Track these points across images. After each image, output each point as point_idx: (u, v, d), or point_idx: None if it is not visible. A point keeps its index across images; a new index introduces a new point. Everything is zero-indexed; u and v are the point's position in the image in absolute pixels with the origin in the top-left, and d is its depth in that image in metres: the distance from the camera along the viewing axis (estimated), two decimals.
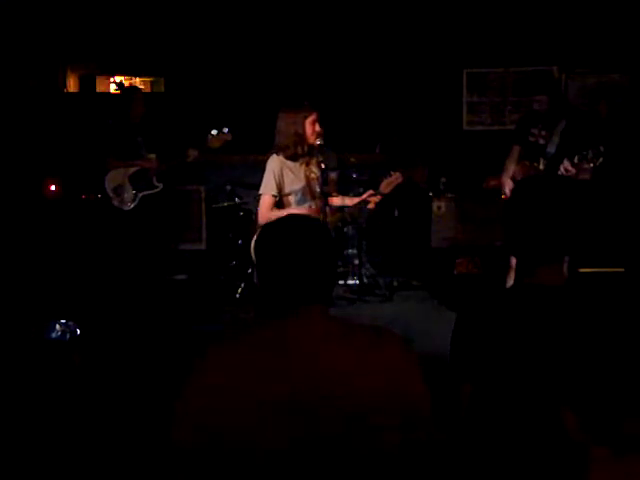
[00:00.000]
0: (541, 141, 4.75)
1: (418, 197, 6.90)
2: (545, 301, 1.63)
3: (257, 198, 3.79)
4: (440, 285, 6.03)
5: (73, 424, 3.18)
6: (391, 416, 1.41)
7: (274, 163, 3.66)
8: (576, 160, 4.24)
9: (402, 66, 7.04)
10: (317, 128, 3.66)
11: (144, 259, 5.66)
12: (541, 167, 4.71)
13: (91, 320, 4.37)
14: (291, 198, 3.67)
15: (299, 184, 3.67)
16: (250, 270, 5.61)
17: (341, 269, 5.97)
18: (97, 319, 4.61)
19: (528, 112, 4.99)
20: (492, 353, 1.63)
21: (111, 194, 5.58)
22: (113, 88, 7.36)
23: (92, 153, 5.81)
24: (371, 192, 4.10)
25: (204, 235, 6.91)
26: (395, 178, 4.01)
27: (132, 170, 5.60)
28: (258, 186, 3.73)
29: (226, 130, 5.26)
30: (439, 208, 6.80)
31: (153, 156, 5.62)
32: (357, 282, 5.91)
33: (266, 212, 3.61)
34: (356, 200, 4.12)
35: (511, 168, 4.90)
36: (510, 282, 4.59)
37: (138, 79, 7.41)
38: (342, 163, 6.19)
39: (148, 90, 7.31)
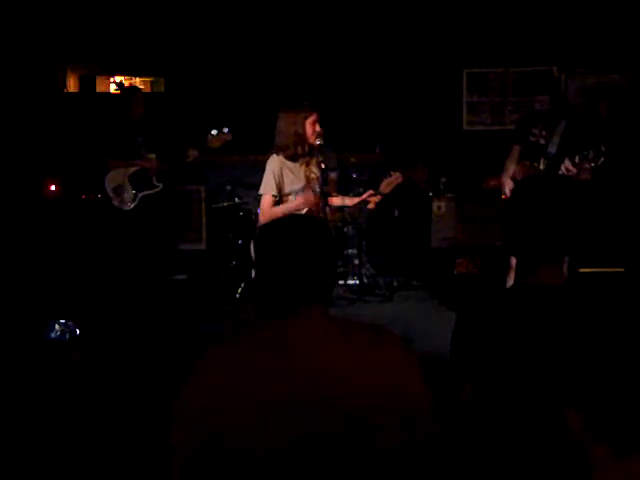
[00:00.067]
0: (542, 141, 4.75)
1: (418, 197, 6.90)
2: (545, 301, 1.63)
3: (257, 198, 3.79)
4: (440, 285, 6.03)
5: (73, 424, 3.18)
6: (391, 416, 1.41)
7: (274, 163, 3.66)
8: (577, 160, 4.24)
9: (402, 66, 7.04)
10: (317, 128, 3.66)
11: (144, 259, 5.66)
12: (541, 167, 4.71)
13: (91, 320, 4.37)
14: (291, 198, 3.67)
15: (299, 184, 3.67)
16: (250, 270, 5.61)
17: (341, 269, 5.97)
18: (97, 319, 4.61)
19: (528, 112, 4.99)
20: (492, 353, 1.63)
21: (111, 194, 5.58)
22: (113, 88, 7.36)
23: (92, 153, 5.81)
24: (371, 192, 4.10)
25: (204, 235, 6.91)
26: (395, 178, 4.01)
27: (132, 170, 5.60)
28: (258, 186, 3.73)
29: (226, 130, 5.26)
30: (439, 208, 6.80)
31: (153, 156, 5.62)
32: (357, 282, 5.91)
33: (267, 211, 3.61)
34: (356, 200, 4.12)
35: (511, 168, 4.90)
36: (510, 282, 4.59)
37: (138, 79, 7.41)
38: (342, 163, 6.20)
39: (148, 90, 7.31)
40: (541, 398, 1.56)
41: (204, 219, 6.89)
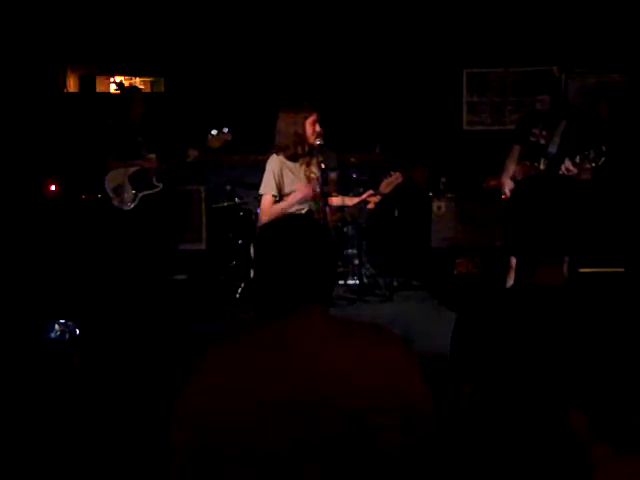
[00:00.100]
0: (542, 141, 4.75)
1: (418, 197, 6.90)
2: (545, 301, 1.63)
3: (257, 198, 3.79)
4: (440, 285, 6.03)
5: (72, 424, 3.18)
6: (391, 416, 1.41)
7: (274, 163, 3.66)
8: (578, 160, 4.24)
9: (402, 66, 7.04)
10: (317, 128, 3.66)
11: (144, 259, 5.66)
12: (542, 167, 4.71)
13: (90, 320, 4.37)
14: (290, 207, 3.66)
15: (299, 184, 3.67)
16: (250, 270, 5.61)
17: (341, 269, 5.97)
18: (97, 319, 4.61)
19: (529, 112, 4.99)
20: (492, 353, 1.63)
21: (111, 194, 5.58)
22: (113, 88, 7.36)
23: (92, 153, 5.81)
24: (371, 192, 4.10)
25: (204, 235, 6.91)
26: (395, 178, 4.01)
27: (132, 170, 5.60)
28: (258, 186, 3.73)
29: (226, 130, 5.27)
30: (439, 208, 6.80)
31: (153, 156, 5.62)
32: (357, 282, 5.91)
33: (267, 211, 3.61)
34: (356, 200, 4.13)
35: (511, 168, 4.89)
36: (510, 282, 4.59)
37: (138, 79, 7.41)
38: (342, 163, 6.20)
39: (148, 90, 7.31)
40: (541, 398, 1.56)
41: (204, 219, 6.89)
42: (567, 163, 4.30)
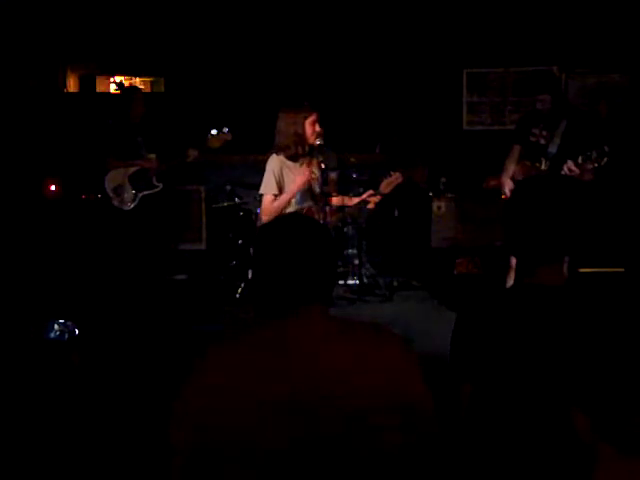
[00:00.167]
0: (542, 141, 4.74)
1: (418, 197, 6.90)
2: (545, 301, 1.63)
3: (257, 198, 3.79)
4: (440, 285, 6.03)
5: (72, 424, 3.18)
6: (391, 416, 1.40)
7: (274, 163, 3.66)
8: (580, 160, 4.23)
9: (402, 66, 7.04)
10: (317, 128, 3.66)
11: (144, 259, 5.66)
12: (543, 167, 4.70)
13: (90, 320, 4.37)
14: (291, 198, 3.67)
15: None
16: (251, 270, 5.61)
17: (341, 269, 5.97)
18: (96, 319, 4.61)
19: (529, 112, 4.99)
20: (492, 353, 1.63)
21: (111, 194, 5.58)
22: (113, 88, 7.36)
23: (92, 153, 5.81)
24: (371, 192, 4.11)
25: (204, 235, 6.91)
26: (395, 178, 4.02)
27: (132, 170, 5.60)
28: (258, 186, 3.73)
29: (226, 130, 5.27)
30: (439, 208, 6.80)
31: (153, 156, 5.62)
32: (357, 282, 5.91)
33: (269, 210, 3.60)
34: (356, 200, 4.13)
35: (511, 168, 4.89)
36: (510, 282, 4.59)
37: (138, 79, 7.41)
38: (342, 163, 6.20)
39: (148, 90, 7.31)
40: (541, 398, 1.56)
41: (204, 219, 6.89)
42: (569, 164, 4.30)
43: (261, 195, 3.70)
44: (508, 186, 4.83)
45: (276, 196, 3.63)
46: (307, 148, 3.66)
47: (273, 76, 6.90)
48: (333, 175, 5.63)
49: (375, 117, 7.07)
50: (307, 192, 3.70)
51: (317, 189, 3.75)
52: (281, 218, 1.66)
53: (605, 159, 4.13)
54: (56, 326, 3.74)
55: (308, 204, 3.70)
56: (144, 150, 5.63)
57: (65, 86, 7.20)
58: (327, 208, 3.81)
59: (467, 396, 1.67)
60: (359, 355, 1.44)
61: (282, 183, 3.64)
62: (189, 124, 6.39)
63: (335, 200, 4.08)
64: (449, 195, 6.86)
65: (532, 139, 4.80)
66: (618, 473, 1.39)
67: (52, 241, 6.10)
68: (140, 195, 5.59)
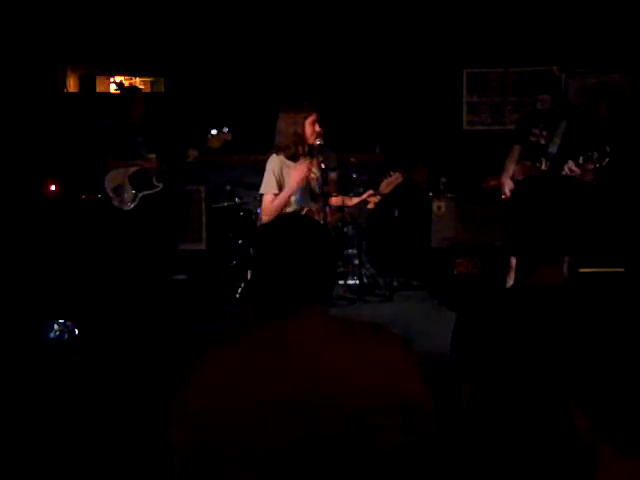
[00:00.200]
0: (542, 141, 4.74)
1: (418, 197, 6.90)
2: (545, 301, 1.63)
3: (257, 198, 3.79)
4: (440, 285, 6.03)
5: (72, 424, 3.18)
6: (391, 416, 1.40)
7: (274, 163, 3.66)
8: (581, 161, 4.23)
9: (402, 66, 7.04)
10: (317, 128, 3.66)
11: (144, 259, 5.66)
12: (543, 167, 4.70)
13: (90, 320, 4.37)
14: (291, 198, 3.66)
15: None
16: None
17: (341, 269, 5.97)
18: (96, 319, 4.61)
19: (529, 112, 4.99)
20: (492, 353, 1.63)
21: (111, 194, 5.58)
22: (113, 88, 7.36)
23: (92, 153, 5.81)
24: (371, 192, 4.10)
25: (204, 235, 6.91)
26: (395, 178, 4.01)
27: (132, 170, 5.60)
28: (258, 186, 3.72)
29: (226, 130, 5.27)
30: (439, 208, 6.80)
31: (153, 156, 5.62)
32: (357, 282, 5.91)
33: (269, 209, 3.59)
34: (356, 200, 4.13)
35: (511, 168, 4.89)
36: (510, 282, 4.59)
37: (138, 79, 7.41)
38: (342, 163, 6.19)
39: (148, 90, 7.32)
40: (541, 398, 1.56)
41: (204, 219, 6.89)
42: (570, 164, 4.29)
43: (261, 195, 3.70)
44: (508, 186, 4.83)
45: (276, 195, 3.63)
46: (307, 148, 3.66)
47: (273, 76, 6.90)
48: (333, 175, 5.63)
49: (375, 117, 7.07)
50: (307, 192, 3.70)
51: (317, 189, 3.74)
52: (280, 218, 1.66)
53: (606, 160, 4.13)
54: (56, 326, 3.74)
55: (308, 204, 3.70)
56: (144, 150, 5.63)
57: (65, 86, 7.20)
58: (327, 208, 3.81)
59: (467, 396, 1.67)
60: (359, 355, 1.44)
61: (282, 183, 3.64)
62: (189, 124, 6.39)
63: (335, 200, 4.08)
64: (449, 195, 6.86)
65: (532, 139, 4.79)
66: (618, 473, 1.39)
67: (52, 241, 6.10)
68: (140, 195, 5.59)
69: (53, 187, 6.50)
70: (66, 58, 7.13)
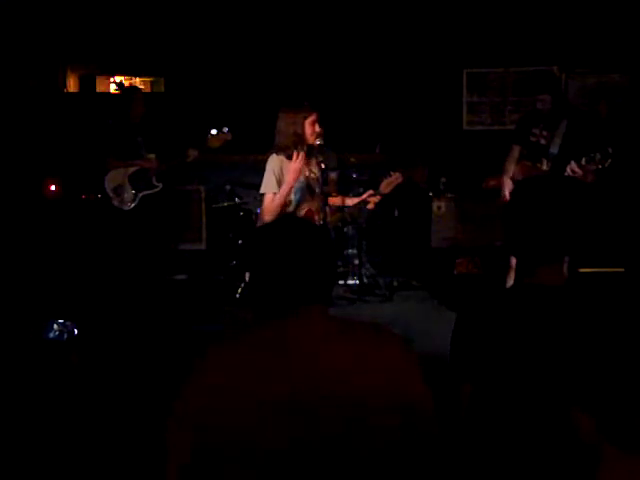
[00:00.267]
0: (542, 141, 4.74)
1: (418, 197, 6.90)
2: (545, 301, 1.63)
3: (258, 198, 3.78)
4: (440, 285, 6.03)
5: (71, 424, 3.18)
6: (391, 416, 1.40)
7: (274, 162, 3.66)
8: (583, 162, 4.22)
9: (402, 66, 7.04)
10: (317, 128, 3.66)
11: (144, 259, 5.66)
12: (544, 168, 4.69)
13: (90, 320, 4.37)
14: (291, 198, 3.66)
15: (299, 184, 3.67)
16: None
17: (341, 269, 5.97)
18: (96, 319, 4.60)
19: (529, 112, 4.98)
20: (492, 353, 1.63)
21: (111, 194, 5.58)
22: (113, 88, 7.36)
23: (92, 153, 5.81)
24: (371, 192, 4.11)
25: (204, 235, 6.91)
26: (395, 178, 4.02)
27: (132, 170, 5.60)
28: (258, 186, 3.72)
29: (226, 130, 5.26)
30: (439, 208, 6.80)
31: (153, 156, 5.62)
32: (357, 282, 5.91)
33: (270, 208, 3.59)
34: (356, 200, 4.13)
35: (511, 168, 4.89)
36: (510, 282, 4.59)
37: (138, 79, 7.41)
38: (342, 163, 6.19)
39: (148, 90, 7.31)
40: (541, 398, 1.56)
41: (204, 219, 6.89)
42: (572, 165, 4.28)
43: (262, 195, 3.70)
44: (508, 187, 4.82)
45: (277, 194, 3.63)
46: (307, 148, 3.66)
47: (273, 76, 6.90)
48: (333, 175, 5.63)
49: (375, 117, 7.07)
50: (307, 192, 3.70)
51: (317, 189, 3.74)
52: (278, 220, 1.66)
53: (608, 161, 4.12)
54: (55, 326, 3.74)
55: (308, 204, 3.70)
56: (144, 150, 5.63)
57: (65, 86, 7.20)
58: (327, 208, 3.81)
59: (467, 396, 1.67)
60: (359, 355, 1.44)
61: (282, 182, 3.63)
62: (189, 124, 6.39)
63: (335, 200, 4.08)
64: (449, 195, 6.86)
65: (532, 139, 4.79)
66: (622, 473, 1.39)
67: (52, 241, 6.10)
68: (140, 195, 5.59)
69: (53, 187, 6.50)
70: (66, 58, 7.13)
